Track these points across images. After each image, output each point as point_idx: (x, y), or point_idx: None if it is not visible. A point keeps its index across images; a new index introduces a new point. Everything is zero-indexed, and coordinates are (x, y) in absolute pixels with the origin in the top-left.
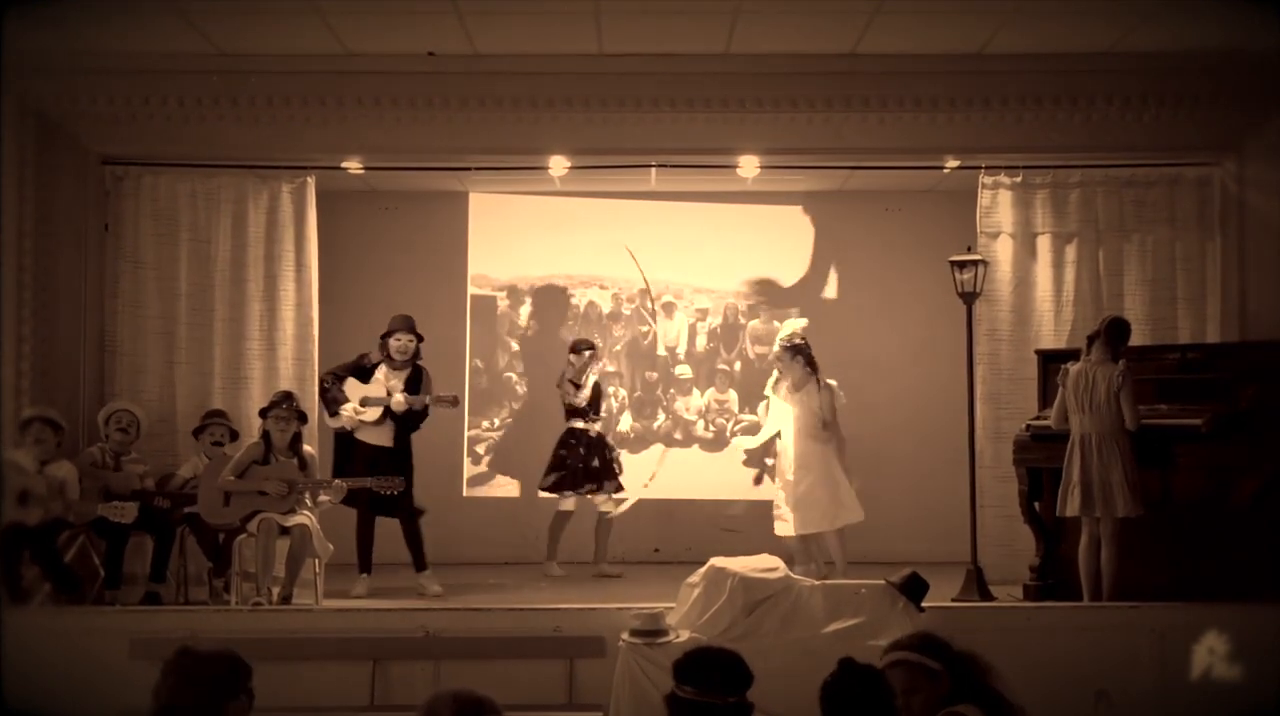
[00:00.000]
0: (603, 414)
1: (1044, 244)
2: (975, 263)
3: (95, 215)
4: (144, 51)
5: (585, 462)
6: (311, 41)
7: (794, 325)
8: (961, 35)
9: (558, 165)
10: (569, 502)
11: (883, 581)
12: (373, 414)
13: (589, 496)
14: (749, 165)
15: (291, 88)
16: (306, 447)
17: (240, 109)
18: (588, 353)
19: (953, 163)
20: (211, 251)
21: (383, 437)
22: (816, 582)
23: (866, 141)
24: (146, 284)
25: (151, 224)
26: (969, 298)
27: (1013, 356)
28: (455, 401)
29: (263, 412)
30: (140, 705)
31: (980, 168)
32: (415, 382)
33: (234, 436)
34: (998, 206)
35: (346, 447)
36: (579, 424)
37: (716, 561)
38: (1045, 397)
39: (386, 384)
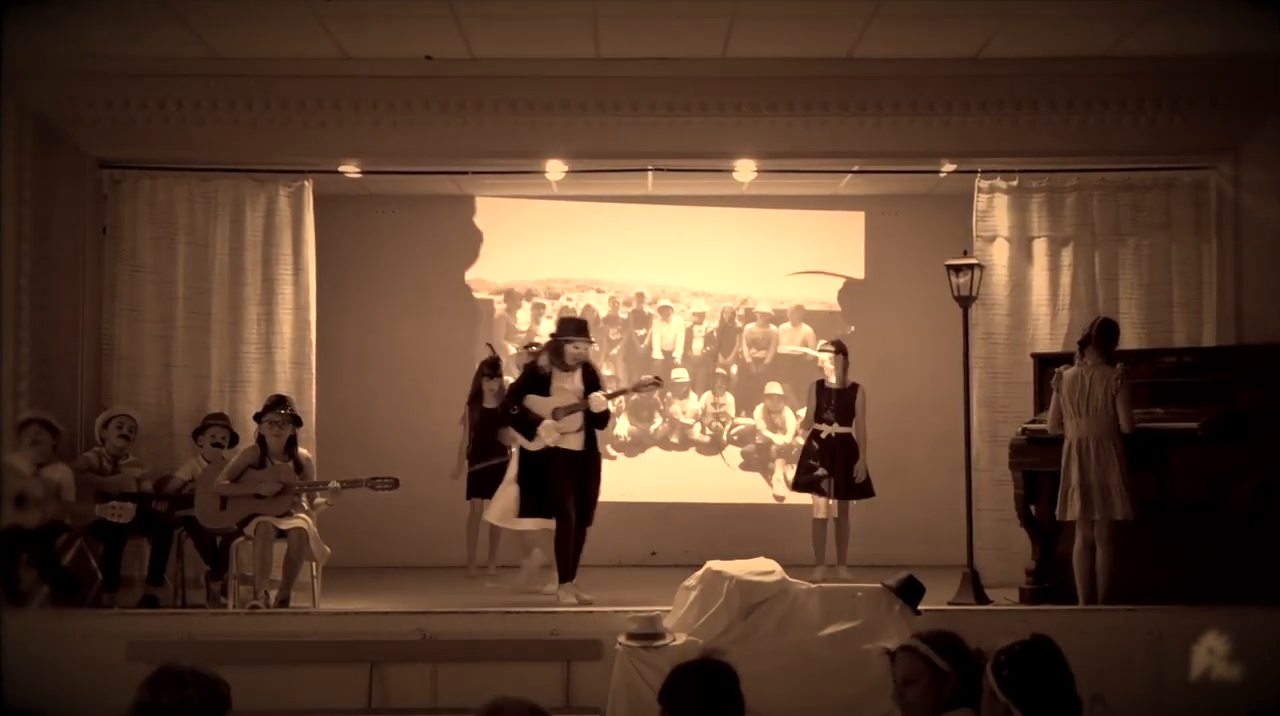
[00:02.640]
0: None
1: (1040, 248)
2: (971, 266)
3: (93, 218)
4: (142, 55)
5: (827, 464)
6: (309, 45)
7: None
8: (958, 39)
9: (555, 169)
10: (819, 508)
11: (879, 584)
12: (573, 423)
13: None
14: (745, 169)
15: (289, 91)
16: (302, 451)
17: (238, 113)
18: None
19: (949, 166)
20: (209, 255)
21: (575, 442)
22: (813, 586)
23: (862, 145)
24: (144, 287)
25: (149, 227)
26: (965, 301)
27: (1009, 360)
28: (658, 382)
29: (258, 417)
30: None
31: (976, 171)
32: (592, 381)
33: (234, 440)
34: (994, 210)
35: (537, 461)
36: (818, 425)
37: (713, 565)
38: (1041, 401)
39: (567, 388)
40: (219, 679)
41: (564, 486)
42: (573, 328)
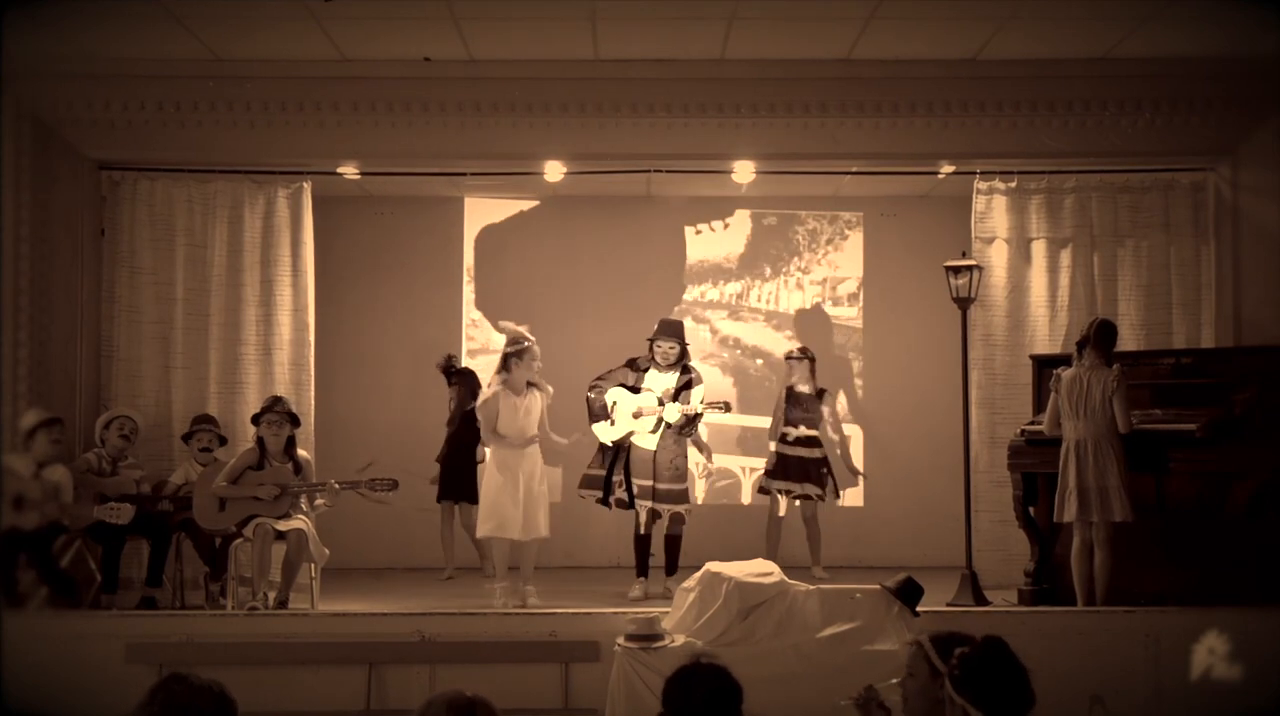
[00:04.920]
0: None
1: (1039, 249)
2: (970, 268)
3: (91, 220)
4: (140, 57)
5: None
6: (308, 47)
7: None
8: (956, 40)
9: (553, 170)
10: (780, 506)
11: (878, 586)
12: (646, 425)
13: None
14: (744, 170)
15: (288, 93)
16: (301, 452)
17: (236, 114)
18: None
19: (948, 168)
20: (208, 256)
21: (650, 443)
22: (812, 587)
23: (861, 147)
24: (143, 289)
25: (148, 229)
26: (964, 303)
27: (1007, 361)
28: (728, 407)
29: (255, 418)
30: None
31: (975, 173)
32: (684, 387)
33: (223, 442)
34: (992, 211)
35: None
36: (788, 428)
37: (711, 566)
38: (1040, 402)
39: (656, 388)
40: (226, 691)
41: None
42: (666, 329)
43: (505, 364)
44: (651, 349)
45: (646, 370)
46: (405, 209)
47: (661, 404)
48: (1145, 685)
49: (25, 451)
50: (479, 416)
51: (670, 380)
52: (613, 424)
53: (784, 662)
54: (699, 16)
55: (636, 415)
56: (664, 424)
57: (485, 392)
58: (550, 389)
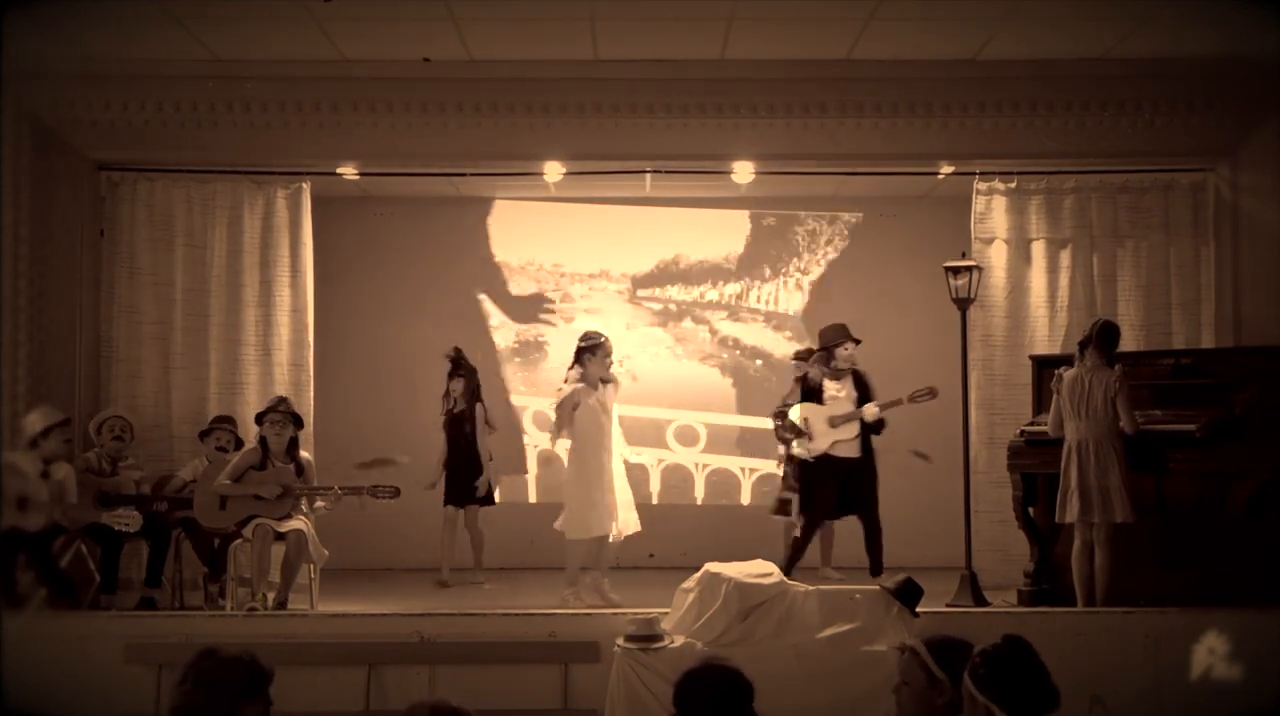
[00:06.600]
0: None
1: (1038, 249)
2: (970, 268)
3: (91, 220)
4: (140, 57)
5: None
6: (307, 47)
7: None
8: (956, 41)
9: (553, 171)
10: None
11: (877, 586)
12: (849, 432)
13: None
14: (744, 171)
15: (287, 93)
16: (303, 453)
17: (236, 115)
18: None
19: (947, 168)
20: (207, 257)
21: (851, 449)
22: (811, 588)
23: (861, 147)
24: (142, 289)
25: (147, 229)
26: (963, 303)
27: (1007, 362)
28: (934, 392)
29: (258, 418)
30: (135, 709)
31: (974, 173)
32: (862, 387)
33: (238, 444)
34: (992, 212)
35: (812, 468)
36: None
37: (711, 567)
38: (1039, 403)
39: (837, 395)
40: (258, 660)
41: (827, 493)
42: (839, 332)
43: (579, 359)
44: (828, 357)
45: (821, 382)
46: (405, 209)
47: (860, 407)
48: (1145, 685)
49: (33, 450)
50: (554, 411)
51: (847, 382)
52: (811, 439)
53: (784, 663)
54: (699, 16)
55: (833, 423)
56: (866, 424)
57: (564, 388)
58: (619, 381)
